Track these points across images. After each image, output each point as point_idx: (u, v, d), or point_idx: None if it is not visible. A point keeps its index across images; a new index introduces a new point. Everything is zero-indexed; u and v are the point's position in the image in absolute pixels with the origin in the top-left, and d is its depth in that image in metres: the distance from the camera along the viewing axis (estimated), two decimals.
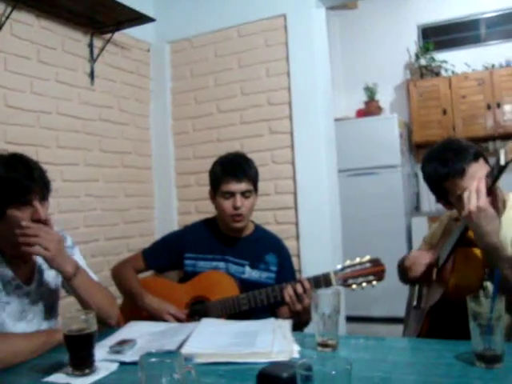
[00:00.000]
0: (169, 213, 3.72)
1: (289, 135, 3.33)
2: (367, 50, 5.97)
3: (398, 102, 5.91)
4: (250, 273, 2.19)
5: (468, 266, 1.68)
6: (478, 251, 1.68)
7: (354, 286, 1.86)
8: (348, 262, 1.90)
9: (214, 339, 1.53)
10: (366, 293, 1.99)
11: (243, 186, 2.15)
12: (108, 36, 3.27)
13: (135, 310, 2.14)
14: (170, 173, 3.74)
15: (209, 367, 1.33)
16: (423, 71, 5.66)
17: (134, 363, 1.31)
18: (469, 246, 1.71)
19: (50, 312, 1.82)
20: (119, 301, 2.20)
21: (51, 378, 1.30)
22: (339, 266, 1.90)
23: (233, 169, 2.17)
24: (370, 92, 5.66)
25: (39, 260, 1.77)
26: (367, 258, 1.89)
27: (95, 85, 3.23)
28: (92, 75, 3.20)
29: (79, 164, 3.10)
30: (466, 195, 1.59)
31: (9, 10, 2.61)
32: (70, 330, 1.35)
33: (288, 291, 1.88)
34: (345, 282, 1.87)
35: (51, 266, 1.65)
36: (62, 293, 1.90)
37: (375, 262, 1.88)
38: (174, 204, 3.73)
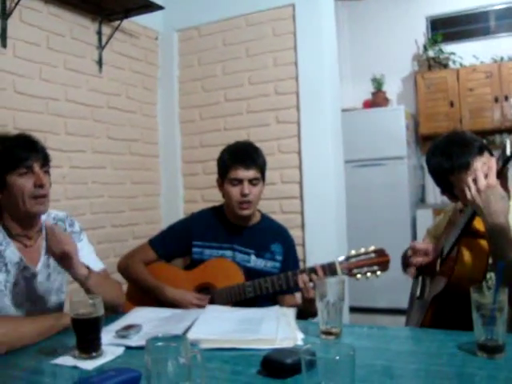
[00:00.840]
0: (175, 201, 3.73)
1: (296, 125, 3.33)
2: (375, 41, 5.94)
3: (406, 94, 5.89)
4: (255, 261, 2.20)
5: (472, 257, 1.68)
6: (482, 242, 1.68)
7: (358, 276, 1.88)
8: (353, 252, 1.92)
9: (219, 325, 1.55)
10: (369, 284, 2.00)
11: (251, 173, 2.15)
12: (116, 23, 3.27)
13: (141, 298, 2.17)
14: (176, 161, 3.75)
15: (214, 353, 1.35)
16: (431, 63, 5.63)
17: (139, 348, 1.33)
18: (473, 237, 1.71)
19: (57, 293, 1.84)
20: (124, 286, 2.23)
21: (59, 361, 1.33)
22: (344, 256, 1.91)
23: (241, 156, 2.18)
24: (378, 83, 5.64)
25: (45, 242, 1.80)
26: (372, 248, 1.91)
27: (103, 72, 3.24)
28: (100, 62, 3.21)
29: (87, 151, 3.12)
30: (472, 177, 1.57)
31: None
32: (77, 314, 1.37)
33: (303, 278, 1.89)
34: (350, 272, 1.89)
35: (68, 268, 1.68)
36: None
37: (380, 253, 1.89)
38: (181, 192, 3.75)
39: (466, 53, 5.50)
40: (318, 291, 1.50)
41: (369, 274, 1.87)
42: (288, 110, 3.36)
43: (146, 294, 2.18)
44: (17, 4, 2.60)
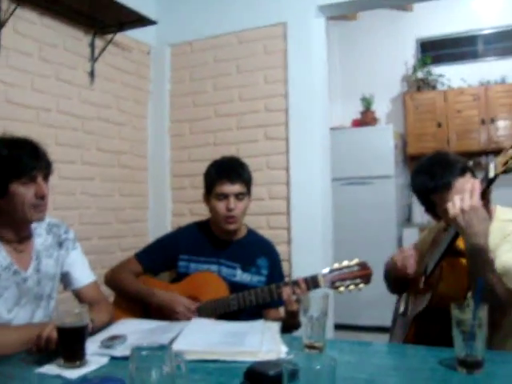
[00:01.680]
0: (163, 214, 3.74)
1: (284, 142, 3.36)
2: (365, 61, 6.02)
3: (394, 114, 5.96)
4: (241, 275, 2.22)
5: (455, 275, 1.71)
6: (464, 261, 1.71)
7: (341, 289, 1.91)
8: (336, 265, 1.94)
9: (204, 337, 1.56)
10: (354, 301, 2.02)
11: (237, 187, 2.17)
12: (109, 36, 3.30)
13: (127, 307, 2.18)
14: (165, 174, 3.76)
15: (198, 364, 1.36)
16: (420, 84, 5.72)
17: (124, 358, 1.34)
18: (457, 256, 1.74)
19: (47, 299, 1.84)
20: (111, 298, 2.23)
21: (43, 369, 1.33)
22: (327, 269, 1.93)
23: (227, 171, 2.20)
24: (367, 102, 5.71)
25: (37, 247, 1.80)
26: (355, 261, 1.94)
27: (95, 84, 3.26)
28: (92, 75, 3.23)
29: (76, 162, 3.13)
30: (457, 196, 1.59)
31: (13, 7, 2.63)
32: (62, 323, 1.38)
33: (286, 291, 1.90)
34: (332, 285, 1.91)
35: None
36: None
37: (362, 266, 1.93)
38: (169, 205, 3.76)
39: (454, 75, 5.59)
40: (302, 305, 1.51)
41: (352, 287, 1.90)
42: (277, 127, 3.40)
43: (133, 303, 2.19)
44: (11, 14, 2.62)
